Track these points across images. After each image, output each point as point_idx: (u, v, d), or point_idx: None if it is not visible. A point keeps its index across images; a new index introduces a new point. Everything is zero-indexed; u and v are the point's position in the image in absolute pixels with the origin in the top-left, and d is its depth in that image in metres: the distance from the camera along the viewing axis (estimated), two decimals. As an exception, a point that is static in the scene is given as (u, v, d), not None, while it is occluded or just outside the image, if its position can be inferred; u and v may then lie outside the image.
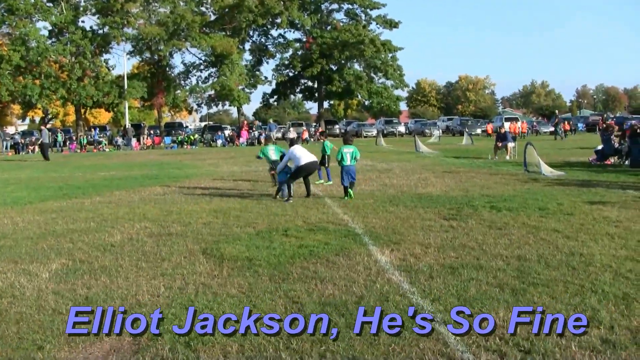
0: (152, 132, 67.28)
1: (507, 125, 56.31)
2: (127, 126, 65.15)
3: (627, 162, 24.28)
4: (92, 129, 72.92)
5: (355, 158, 16.19)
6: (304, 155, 16.02)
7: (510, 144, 31.39)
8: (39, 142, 44.36)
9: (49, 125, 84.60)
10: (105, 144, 61.86)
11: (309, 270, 8.50)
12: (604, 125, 30.02)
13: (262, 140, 57.27)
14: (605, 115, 53.98)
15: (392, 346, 5.67)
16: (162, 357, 5.60)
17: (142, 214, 14.15)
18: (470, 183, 18.81)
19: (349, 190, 15.88)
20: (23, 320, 6.75)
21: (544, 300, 6.85)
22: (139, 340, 6.04)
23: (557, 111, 69.36)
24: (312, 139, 60.43)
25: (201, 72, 75.93)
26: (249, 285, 7.82)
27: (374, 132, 70.75)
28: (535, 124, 76.92)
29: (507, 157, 30.17)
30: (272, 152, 18.34)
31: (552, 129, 59.05)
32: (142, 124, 65.60)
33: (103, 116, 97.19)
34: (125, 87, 66.09)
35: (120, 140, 60.97)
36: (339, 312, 6.64)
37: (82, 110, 73.17)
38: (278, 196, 16.04)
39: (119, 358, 5.64)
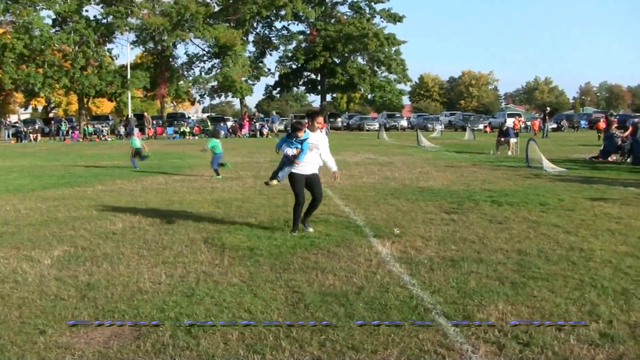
0: (154, 122, 67.20)
1: (509, 121, 56.13)
2: (129, 116, 65.06)
3: (629, 160, 24.31)
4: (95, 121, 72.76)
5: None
6: None
7: (513, 140, 31.43)
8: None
9: (51, 114, 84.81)
10: (107, 134, 61.88)
11: (310, 260, 8.54)
12: (607, 123, 30.00)
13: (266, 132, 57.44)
14: (608, 113, 53.77)
15: (391, 336, 5.70)
16: (162, 343, 5.63)
17: (143, 203, 14.19)
18: (471, 177, 18.84)
19: (220, 168, 20.35)
20: (25, 305, 6.78)
21: (544, 294, 6.88)
22: (140, 327, 6.07)
23: (548, 108, 68.75)
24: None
25: (204, 63, 76.03)
26: (250, 274, 7.86)
27: (376, 126, 70.72)
28: (538, 120, 76.81)
29: (509, 153, 30.21)
30: None
31: (555, 125, 58.88)
32: (144, 114, 65.39)
33: (106, 106, 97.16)
34: (129, 77, 66.07)
35: (122, 130, 60.87)
36: (339, 302, 6.67)
37: (85, 100, 73.06)
38: None
39: (120, 344, 5.66)
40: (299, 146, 10.13)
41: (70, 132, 61.76)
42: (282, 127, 66.21)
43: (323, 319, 6.18)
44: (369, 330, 5.88)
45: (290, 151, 10.19)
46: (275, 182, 10.42)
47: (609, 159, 25.70)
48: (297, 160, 10.14)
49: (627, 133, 26.05)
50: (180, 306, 6.61)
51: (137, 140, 24.29)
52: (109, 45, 71.57)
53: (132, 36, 69.86)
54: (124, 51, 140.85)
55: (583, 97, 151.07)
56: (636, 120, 34.45)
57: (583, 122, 76.11)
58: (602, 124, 49.66)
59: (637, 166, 22.48)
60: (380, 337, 5.69)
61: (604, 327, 5.89)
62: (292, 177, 10.36)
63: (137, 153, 24.19)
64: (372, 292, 7.03)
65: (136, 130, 58.55)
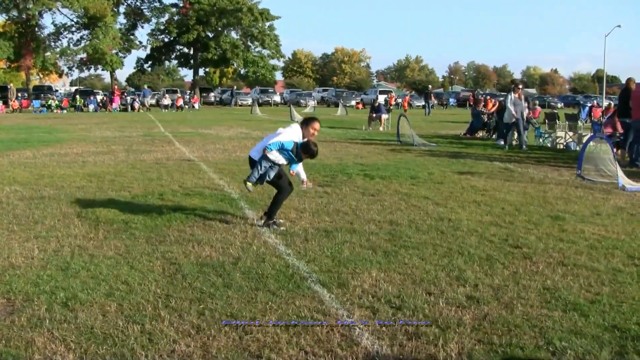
0: (19, 95, 64.41)
1: (381, 98, 57.20)
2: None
3: (494, 136, 25.31)
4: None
5: None
6: None
7: (384, 116, 32.16)
8: None
9: None
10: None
11: (186, 233, 8.56)
12: (474, 101, 31.12)
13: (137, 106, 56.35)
14: (475, 92, 55.67)
15: (269, 304, 5.83)
16: (38, 317, 5.53)
17: (11, 178, 13.72)
18: (344, 152, 19.18)
19: None
20: None
21: (414, 262, 7.18)
22: (14, 301, 5.95)
23: (430, 86, 71.74)
24: (186, 106, 60.28)
25: (73, 34, 73.21)
26: (126, 247, 7.81)
27: (249, 101, 70.56)
28: (409, 97, 78.79)
29: (381, 129, 30.88)
30: None
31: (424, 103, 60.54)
32: (8, 87, 62.55)
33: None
34: (-10, 46, 63.03)
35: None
36: (217, 273, 6.75)
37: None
38: None
39: (-7, 319, 5.54)
40: (288, 163, 9.14)
41: None
42: (153, 102, 65.16)
43: (201, 289, 6.24)
44: (247, 298, 5.99)
45: (282, 160, 8.98)
46: (253, 185, 9.24)
47: (476, 135, 26.72)
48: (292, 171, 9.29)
49: (493, 109, 27.07)
50: (55, 280, 6.50)
51: None
52: (-33, 13, 68.00)
53: (-7, 3, 66.56)
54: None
55: (452, 76, 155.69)
56: (501, 99, 35.98)
57: (452, 100, 78.87)
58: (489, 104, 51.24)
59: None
60: (258, 305, 5.81)
61: (470, 291, 6.23)
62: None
63: None
64: (249, 262, 7.14)
65: None
